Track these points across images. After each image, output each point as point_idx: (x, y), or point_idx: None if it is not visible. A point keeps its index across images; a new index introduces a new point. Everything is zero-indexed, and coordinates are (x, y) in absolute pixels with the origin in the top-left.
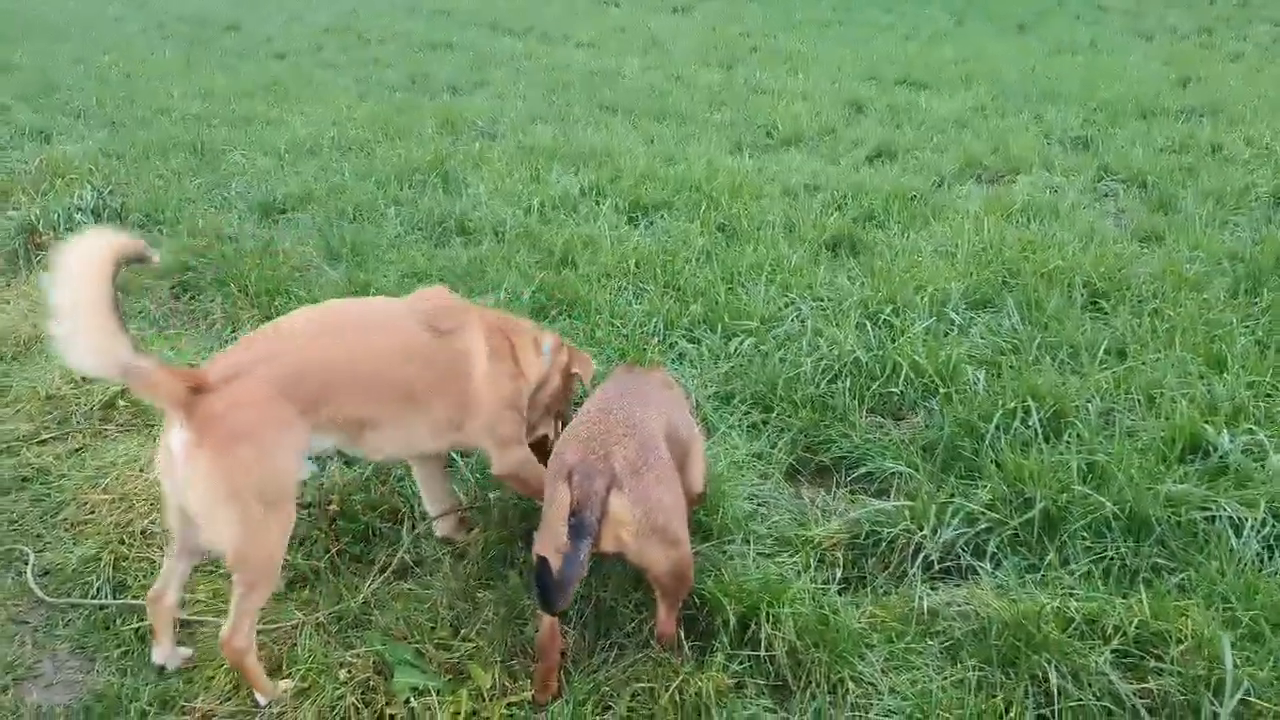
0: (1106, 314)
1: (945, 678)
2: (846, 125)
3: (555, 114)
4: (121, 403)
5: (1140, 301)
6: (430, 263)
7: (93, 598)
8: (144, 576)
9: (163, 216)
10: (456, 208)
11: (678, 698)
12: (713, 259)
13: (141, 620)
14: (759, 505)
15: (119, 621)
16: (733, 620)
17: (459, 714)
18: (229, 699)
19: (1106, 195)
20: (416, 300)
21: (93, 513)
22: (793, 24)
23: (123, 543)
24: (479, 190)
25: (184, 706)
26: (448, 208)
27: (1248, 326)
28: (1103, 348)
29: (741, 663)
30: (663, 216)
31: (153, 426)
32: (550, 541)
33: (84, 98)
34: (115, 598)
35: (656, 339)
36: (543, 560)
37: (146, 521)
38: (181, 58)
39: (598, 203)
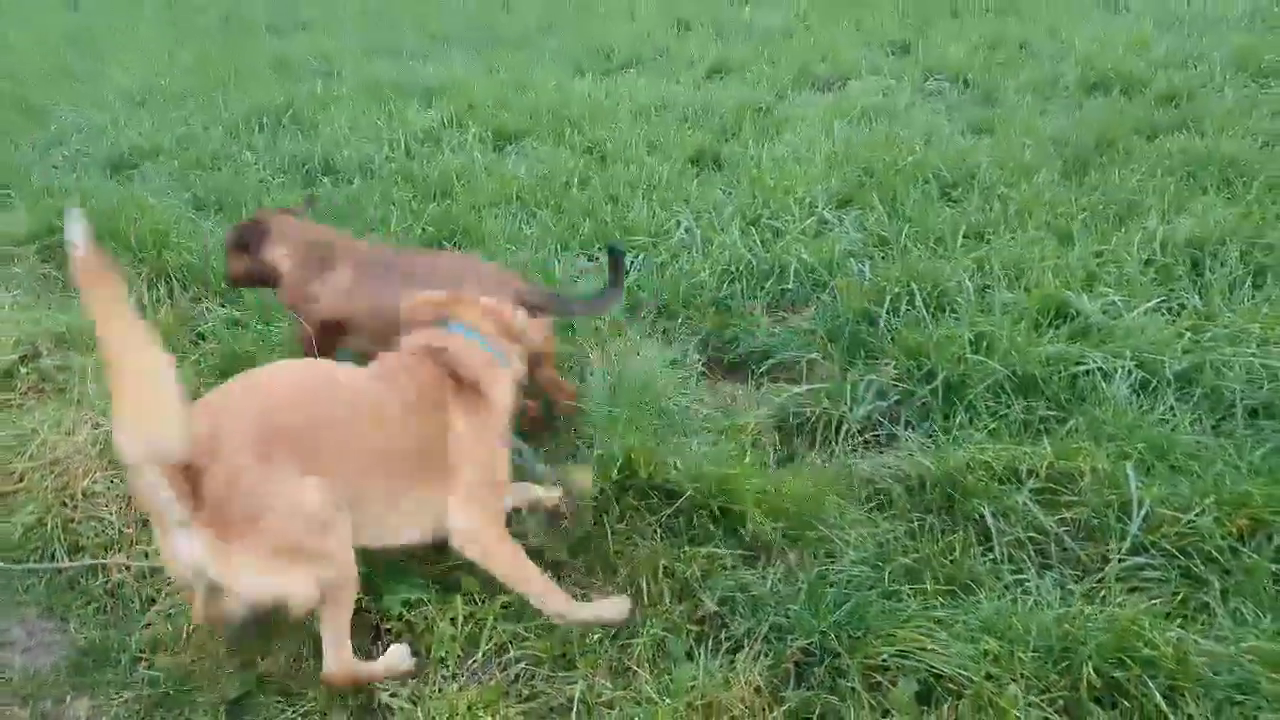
0: (958, 202)
1: (893, 529)
2: (678, 43)
3: (388, 48)
4: (22, 370)
5: (987, 188)
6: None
7: (50, 561)
8: (95, 535)
9: (7, 179)
10: (318, 149)
11: (667, 577)
12: (589, 181)
13: (106, 576)
14: (688, 404)
15: (84, 580)
16: (697, 502)
17: (455, 619)
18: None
19: (935, 95)
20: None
21: (22, 480)
22: None
23: (65, 505)
24: (335, 130)
25: (174, 648)
26: (308, 149)
27: (1083, 204)
28: (962, 233)
29: (714, 541)
30: (529, 144)
31: (63, 391)
32: None
33: None
34: (72, 559)
35: (556, 261)
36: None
37: (86, 482)
38: None
39: (461, 134)
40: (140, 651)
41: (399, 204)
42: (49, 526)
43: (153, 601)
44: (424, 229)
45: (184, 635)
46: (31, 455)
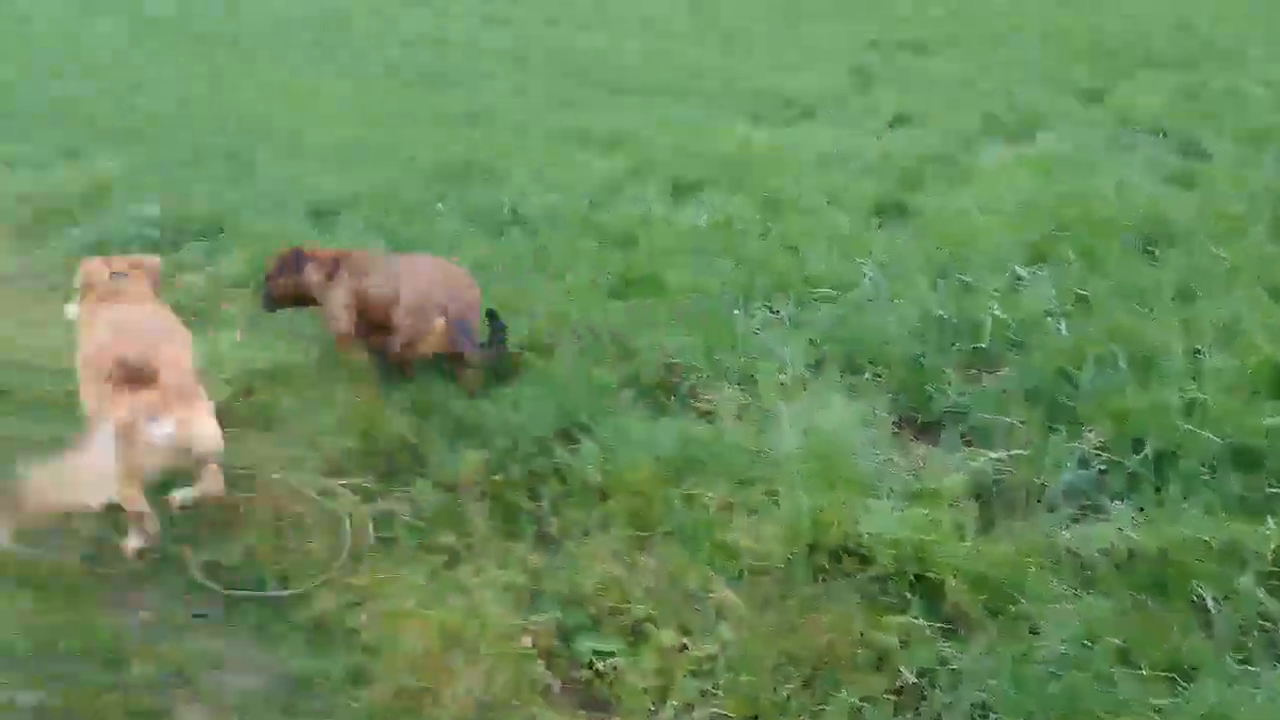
0: (1159, 259)
1: (1101, 606)
2: (857, 93)
3: (568, 99)
4: (239, 405)
5: (1192, 245)
6: (494, 254)
7: (260, 589)
8: (303, 567)
9: (224, 224)
10: (505, 199)
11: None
12: (768, 232)
13: (316, 607)
14: (879, 463)
15: (292, 610)
16: (892, 569)
17: (645, 672)
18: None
19: (1129, 146)
20: None
21: (240, 510)
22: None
23: (277, 535)
24: (521, 180)
25: (376, 682)
26: (496, 199)
27: None
28: (1168, 290)
29: (912, 610)
30: (708, 193)
31: (273, 425)
32: None
33: (92, 108)
34: (283, 589)
35: (738, 311)
36: None
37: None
38: (178, 66)
39: (641, 183)
40: (341, 682)
41: (584, 254)
42: (260, 556)
43: (355, 634)
44: (607, 277)
45: (385, 669)
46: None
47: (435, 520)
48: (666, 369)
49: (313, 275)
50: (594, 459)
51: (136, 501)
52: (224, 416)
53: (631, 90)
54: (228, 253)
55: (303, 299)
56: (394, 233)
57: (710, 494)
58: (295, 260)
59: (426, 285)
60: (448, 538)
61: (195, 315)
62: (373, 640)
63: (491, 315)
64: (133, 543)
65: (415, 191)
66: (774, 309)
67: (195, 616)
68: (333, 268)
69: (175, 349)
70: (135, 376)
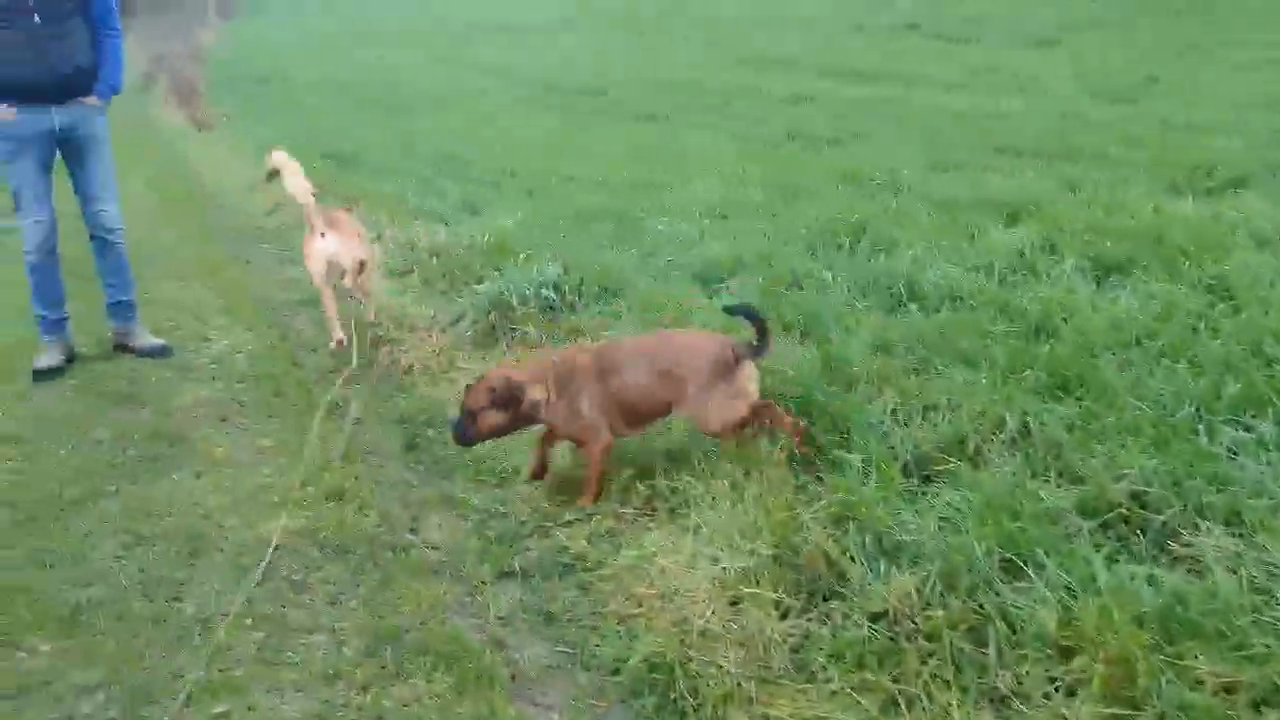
0: None
1: None
2: None
3: (950, 161)
4: (639, 485)
5: None
6: (890, 332)
7: (671, 698)
8: (713, 684)
9: (616, 289)
10: (899, 270)
11: None
12: (1219, 327)
13: None
14: None
15: None
16: None
17: None
18: None
19: None
20: None
21: (640, 606)
22: (1182, 51)
23: (682, 643)
24: (913, 250)
25: None
26: (889, 270)
27: None
28: None
29: None
30: (1135, 276)
31: (675, 512)
32: None
33: (487, 168)
34: (691, 701)
35: (1200, 426)
36: None
37: (702, 622)
38: (556, 122)
39: (1054, 261)
40: None
41: (995, 339)
42: (668, 661)
43: None
44: (1029, 371)
45: None
46: (651, 582)
47: (862, 654)
48: (1130, 497)
49: (536, 396)
50: (1050, 604)
51: (327, 297)
52: (626, 496)
53: (1022, 153)
54: (618, 318)
55: (515, 428)
56: (778, 301)
57: (1206, 667)
58: (511, 391)
59: (702, 355)
60: (879, 677)
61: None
62: None
63: (740, 312)
64: (336, 334)
65: (799, 257)
66: (1247, 427)
67: None
68: (561, 379)
69: (350, 225)
70: (331, 224)
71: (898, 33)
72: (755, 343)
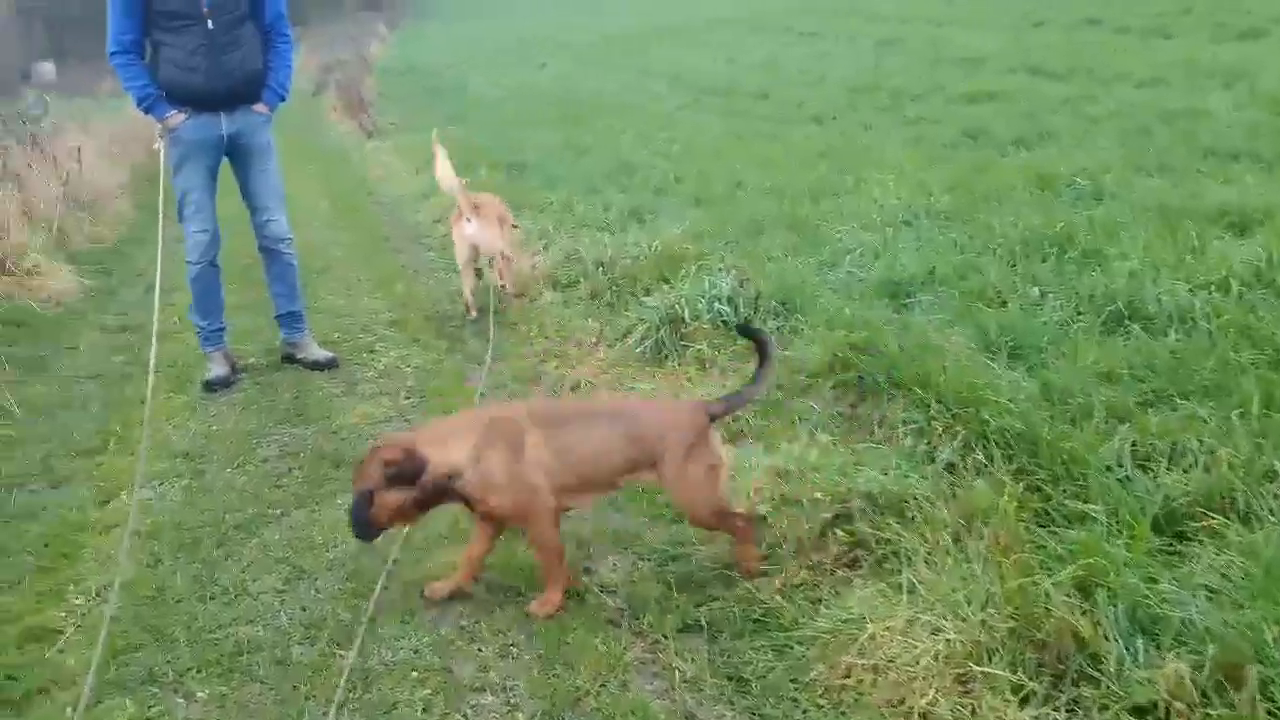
0: None
1: None
2: None
3: (1155, 164)
4: (838, 532)
5: None
6: (1114, 358)
7: None
8: None
9: (795, 303)
10: (1117, 286)
11: None
12: None
13: None
14: None
15: None
16: None
17: None
18: None
19: None
20: None
21: (848, 677)
22: None
23: None
24: (1129, 263)
25: None
26: (1105, 287)
27: None
28: None
29: None
30: None
31: (882, 565)
32: None
33: (657, 175)
34: None
35: None
36: None
37: (924, 702)
38: (724, 127)
39: None
40: None
41: (1239, 369)
42: None
43: None
44: None
45: None
46: (860, 649)
47: None
48: None
49: (445, 464)
50: None
51: (466, 274)
52: (823, 543)
53: (1237, 155)
54: (799, 334)
55: (428, 506)
56: (982, 319)
57: None
58: (411, 463)
59: (669, 416)
60: None
61: (770, 409)
62: None
63: (745, 332)
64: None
65: (1000, 271)
66: None
67: None
68: (482, 439)
69: (496, 210)
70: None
71: (1077, 28)
72: (754, 373)
